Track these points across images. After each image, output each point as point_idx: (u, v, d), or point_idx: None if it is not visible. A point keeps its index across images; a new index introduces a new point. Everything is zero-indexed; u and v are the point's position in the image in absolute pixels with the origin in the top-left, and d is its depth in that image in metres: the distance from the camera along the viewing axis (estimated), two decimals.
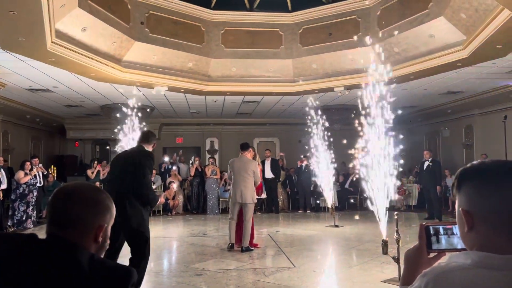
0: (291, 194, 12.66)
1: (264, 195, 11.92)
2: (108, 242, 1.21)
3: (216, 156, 15.63)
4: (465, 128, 13.27)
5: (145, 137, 4.43)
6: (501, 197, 0.95)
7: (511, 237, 0.95)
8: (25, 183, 9.08)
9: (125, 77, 8.52)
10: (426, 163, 10.31)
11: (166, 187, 11.95)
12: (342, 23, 9.00)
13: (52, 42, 6.34)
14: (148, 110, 11.26)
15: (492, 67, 7.96)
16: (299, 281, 5.02)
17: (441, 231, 1.11)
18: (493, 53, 6.90)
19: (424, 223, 1.12)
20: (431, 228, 1.11)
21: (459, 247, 1.07)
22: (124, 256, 4.04)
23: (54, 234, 1.12)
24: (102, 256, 1.17)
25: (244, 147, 6.93)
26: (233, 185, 6.70)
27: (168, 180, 12.09)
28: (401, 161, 5.43)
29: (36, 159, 9.92)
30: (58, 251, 1.08)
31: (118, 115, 9.08)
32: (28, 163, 9.30)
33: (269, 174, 11.90)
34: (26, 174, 9.12)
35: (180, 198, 12.04)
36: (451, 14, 6.77)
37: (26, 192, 9.12)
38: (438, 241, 1.10)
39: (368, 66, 5.48)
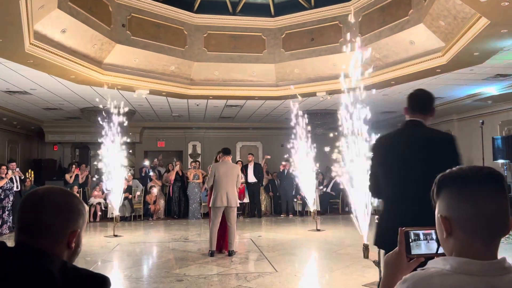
0: (273, 199, 12.67)
1: (246, 200, 11.92)
2: (81, 247, 1.17)
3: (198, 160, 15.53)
4: None
5: (413, 101, 2.66)
6: (477, 203, 0.96)
7: (487, 243, 0.97)
8: (0, 188, 8.85)
9: (106, 80, 8.40)
10: None
11: (147, 192, 11.81)
12: (324, 29, 9.09)
13: (30, 43, 6.20)
14: (126, 111, 11.10)
15: (470, 73, 8.14)
16: (281, 285, 5.01)
17: (421, 236, 1.12)
18: (470, 60, 7.05)
19: (403, 228, 1.13)
20: (410, 233, 1.12)
21: (438, 252, 1.08)
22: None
23: (24, 243, 1.07)
24: (74, 262, 1.13)
25: (228, 152, 6.94)
26: (217, 189, 6.59)
27: (149, 184, 11.95)
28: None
29: (14, 163, 9.69)
30: (28, 260, 1.03)
31: (99, 119, 8.93)
32: (3, 167, 9.06)
33: (252, 179, 11.89)
34: (1, 178, 8.89)
35: (161, 203, 11.91)
36: (431, 21, 6.90)
37: (2, 197, 8.89)
38: (417, 246, 1.11)
39: (348, 71, 5.52)
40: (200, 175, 11.91)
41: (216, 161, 7.15)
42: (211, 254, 6.56)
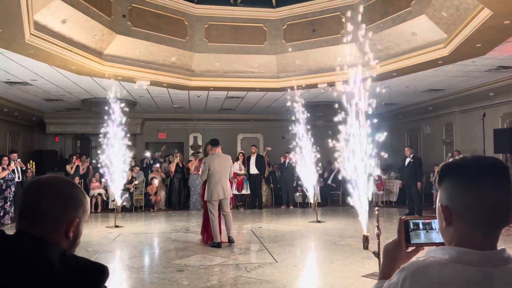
0: (274, 190, 12.69)
1: (247, 191, 11.95)
2: (81, 238, 1.17)
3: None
4: (445, 125, 13.49)
5: None
6: (478, 194, 0.95)
7: (487, 233, 0.96)
8: (2, 178, 8.87)
9: (107, 70, 8.38)
10: (407, 160, 10.43)
11: (148, 183, 11.83)
12: (326, 20, 9.04)
13: (30, 34, 6.18)
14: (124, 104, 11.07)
15: (472, 65, 8.10)
16: (281, 276, 5.03)
17: (420, 225, 1.12)
18: (473, 52, 7.01)
19: (403, 217, 1.13)
20: (410, 222, 1.12)
21: (437, 241, 1.08)
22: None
23: (23, 230, 1.08)
24: (74, 252, 1.14)
25: (217, 143, 6.90)
26: (213, 183, 6.57)
27: (150, 175, 11.98)
28: (384, 156, 5.48)
29: (15, 154, 9.70)
30: (26, 247, 1.03)
31: (105, 108, 8.90)
32: (5, 158, 9.08)
33: (254, 170, 11.90)
34: (3, 169, 8.91)
35: (162, 194, 11.95)
36: (433, 12, 6.85)
37: (4, 188, 8.91)
38: (416, 235, 1.11)
39: (348, 63, 5.49)
40: None
41: (206, 153, 7.09)
42: (219, 245, 6.55)
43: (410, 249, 1.12)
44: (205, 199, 6.68)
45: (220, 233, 6.72)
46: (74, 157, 12.17)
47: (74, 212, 1.13)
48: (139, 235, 8.08)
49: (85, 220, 1.19)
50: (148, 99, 12.06)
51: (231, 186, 9.05)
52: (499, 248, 0.97)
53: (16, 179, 9.36)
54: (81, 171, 11.92)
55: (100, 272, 1.08)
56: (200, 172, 6.86)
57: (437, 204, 1.02)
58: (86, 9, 7.10)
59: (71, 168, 11.72)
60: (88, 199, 1.21)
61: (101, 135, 9.00)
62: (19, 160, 9.67)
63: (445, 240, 1.02)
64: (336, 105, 5.72)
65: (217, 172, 6.57)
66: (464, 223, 0.96)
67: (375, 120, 5.32)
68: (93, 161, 10.64)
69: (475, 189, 0.95)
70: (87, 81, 9.23)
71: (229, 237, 6.69)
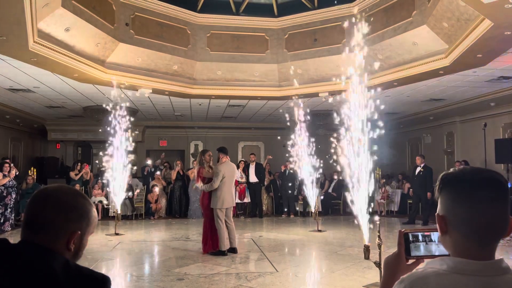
0: (275, 199, 12.66)
1: (247, 200, 11.92)
2: (83, 251, 1.16)
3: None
4: (446, 135, 13.50)
5: None
6: (472, 207, 0.96)
7: (481, 245, 0.97)
8: (3, 185, 8.87)
9: (109, 78, 8.42)
10: (418, 169, 10.26)
11: (148, 191, 11.82)
12: (327, 29, 9.09)
13: (34, 41, 6.22)
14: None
15: (472, 75, 8.12)
16: (281, 285, 5.01)
17: (420, 238, 1.12)
18: (473, 62, 7.04)
19: (403, 230, 1.13)
20: (410, 235, 1.12)
21: (437, 253, 1.09)
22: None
23: (27, 239, 1.09)
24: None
25: (227, 151, 7.02)
26: (224, 190, 6.59)
27: (151, 183, 11.97)
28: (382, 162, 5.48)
29: (7, 161, 9.64)
30: (29, 256, 1.04)
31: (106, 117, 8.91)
32: (7, 165, 9.08)
33: (253, 178, 11.88)
34: (4, 176, 8.91)
35: (163, 202, 11.93)
36: (434, 22, 6.89)
37: (4, 194, 8.90)
38: (416, 247, 1.11)
39: (351, 73, 5.52)
40: None
41: (201, 162, 7.01)
42: (224, 253, 6.56)
43: (410, 261, 1.12)
44: (215, 207, 6.62)
45: (217, 242, 6.72)
46: (79, 164, 12.19)
47: (76, 224, 1.13)
48: (139, 243, 8.06)
49: (91, 232, 1.18)
50: (149, 107, 12.10)
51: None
52: (497, 258, 0.97)
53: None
54: (87, 177, 11.99)
55: (102, 282, 1.09)
56: (198, 181, 6.84)
57: (436, 213, 1.03)
58: (89, 18, 7.16)
59: (76, 175, 11.74)
60: (94, 209, 1.20)
61: (105, 143, 9.00)
62: (11, 165, 9.63)
63: (445, 248, 1.03)
64: (337, 115, 5.73)
65: (227, 180, 6.66)
66: (459, 235, 0.97)
67: (374, 132, 5.32)
68: (96, 162, 10.61)
69: (470, 203, 0.96)
70: (89, 88, 9.27)
71: (233, 248, 6.71)
